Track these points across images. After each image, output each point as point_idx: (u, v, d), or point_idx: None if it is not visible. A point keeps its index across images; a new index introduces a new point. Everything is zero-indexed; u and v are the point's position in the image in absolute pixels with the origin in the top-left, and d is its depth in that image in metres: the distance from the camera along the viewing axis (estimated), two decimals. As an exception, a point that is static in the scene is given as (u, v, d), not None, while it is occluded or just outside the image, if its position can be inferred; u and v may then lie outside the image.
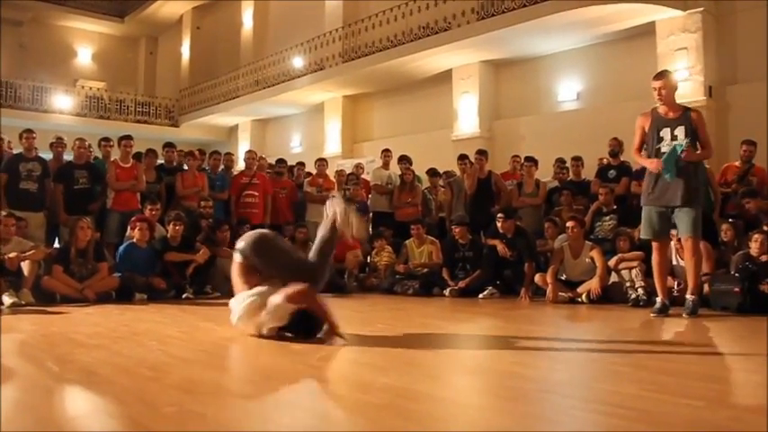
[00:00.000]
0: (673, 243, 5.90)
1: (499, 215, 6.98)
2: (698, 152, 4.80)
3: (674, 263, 5.90)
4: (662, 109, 4.90)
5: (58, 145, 7.87)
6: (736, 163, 7.41)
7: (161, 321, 4.61)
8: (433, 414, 2.03)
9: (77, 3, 21.15)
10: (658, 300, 4.98)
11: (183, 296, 6.38)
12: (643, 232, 5.08)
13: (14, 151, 7.57)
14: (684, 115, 4.83)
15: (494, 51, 11.70)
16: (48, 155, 7.71)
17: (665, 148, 4.79)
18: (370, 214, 8.62)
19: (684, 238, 4.90)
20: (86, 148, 7.51)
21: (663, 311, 4.88)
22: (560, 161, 8.73)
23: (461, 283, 6.92)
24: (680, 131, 4.77)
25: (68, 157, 7.77)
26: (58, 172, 7.28)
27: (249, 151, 8.96)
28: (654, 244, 5.04)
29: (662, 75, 4.96)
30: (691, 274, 4.93)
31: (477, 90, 12.19)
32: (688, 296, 4.89)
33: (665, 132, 4.82)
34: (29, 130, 7.22)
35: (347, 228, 3.74)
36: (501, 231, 6.90)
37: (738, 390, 2.35)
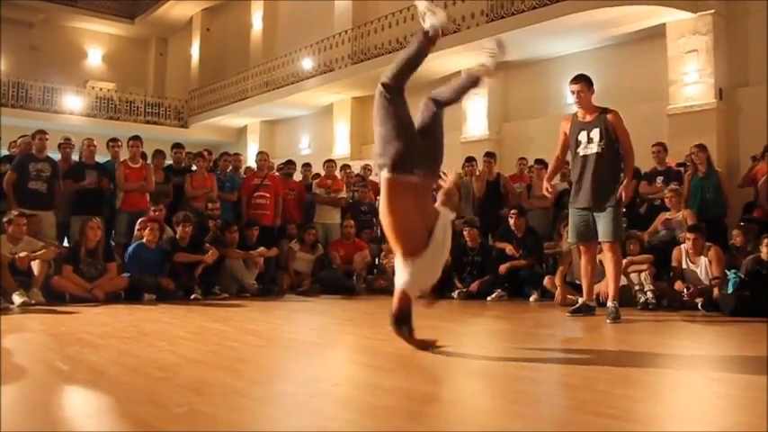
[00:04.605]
0: (683, 246, 5.88)
1: (512, 211, 7.03)
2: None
3: (684, 266, 5.87)
4: (580, 113, 4.88)
5: (66, 146, 7.92)
6: None
7: (170, 322, 4.63)
8: (442, 417, 2.02)
9: (88, 4, 21.28)
10: (581, 300, 5.06)
11: (192, 297, 6.41)
12: (570, 236, 5.10)
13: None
14: (600, 117, 4.77)
15: (503, 53, 11.67)
16: (56, 155, 7.76)
17: (582, 151, 4.79)
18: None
19: (602, 242, 4.82)
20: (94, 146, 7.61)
21: (581, 311, 4.91)
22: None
23: (473, 286, 6.91)
24: (595, 134, 4.73)
25: (75, 157, 7.88)
26: (69, 171, 7.34)
27: (261, 152, 8.97)
28: (580, 247, 5.05)
29: (578, 78, 4.89)
30: (610, 278, 4.87)
31: (486, 92, 12.13)
32: (609, 303, 4.83)
33: (582, 136, 4.80)
34: (42, 131, 7.27)
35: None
36: (512, 228, 6.96)
37: (748, 393, 2.33)
